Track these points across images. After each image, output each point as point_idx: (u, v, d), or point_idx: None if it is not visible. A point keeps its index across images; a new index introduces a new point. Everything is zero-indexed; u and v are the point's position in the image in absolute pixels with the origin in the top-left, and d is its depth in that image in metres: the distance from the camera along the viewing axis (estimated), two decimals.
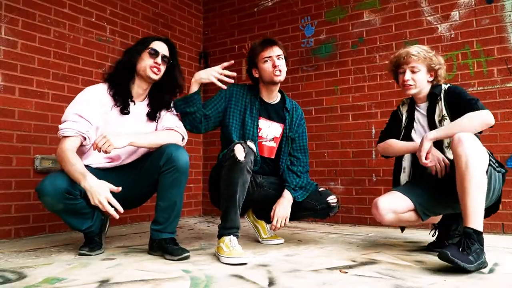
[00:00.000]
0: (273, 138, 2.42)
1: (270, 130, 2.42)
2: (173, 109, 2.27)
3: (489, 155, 1.88)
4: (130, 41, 3.56)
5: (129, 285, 1.52)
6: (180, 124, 2.23)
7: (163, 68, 2.18)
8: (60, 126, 2.02)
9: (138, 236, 2.77)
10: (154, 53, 2.14)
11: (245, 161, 1.99)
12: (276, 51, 2.31)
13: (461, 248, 1.64)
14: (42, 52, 2.94)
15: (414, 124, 2.21)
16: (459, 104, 1.98)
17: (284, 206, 2.31)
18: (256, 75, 2.38)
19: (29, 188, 2.77)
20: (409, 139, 2.18)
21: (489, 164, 1.83)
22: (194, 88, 2.23)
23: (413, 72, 2.10)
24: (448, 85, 2.14)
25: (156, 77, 2.15)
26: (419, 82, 2.11)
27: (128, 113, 2.13)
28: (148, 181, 2.09)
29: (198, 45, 4.36)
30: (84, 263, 1.89)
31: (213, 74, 2.24)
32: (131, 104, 2.17)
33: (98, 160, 2.11)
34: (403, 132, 2.22)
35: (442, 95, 2.09)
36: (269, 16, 3.99)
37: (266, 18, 4.01)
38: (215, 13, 4.35)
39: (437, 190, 2.04)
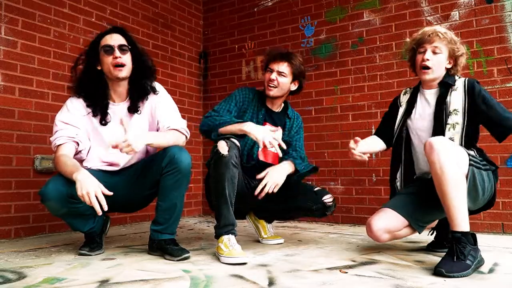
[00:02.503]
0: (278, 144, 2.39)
1: (276, 135, 2.37)
2: (159, 93, 2.17)
3: (473, 156, 1.83)
4: None
5: (129, 285, 1.52)
6: (183, 122, 2.17)
7: (126, 58, 2.05)
8: (51, 139, 2.03)
9: (138, 236, 2.77)
10: (109, 49, 2.02)
11: (229, 155, 1.99)
12: (280, 67, 2.31)
13: (455, 256, 1.63)
14: (42, 52, 2.94)
15: (413, 110, 2.10)
16: (492, 110, 1.88)
17: (278, 171, 2.22)
18: None
19: (29, 188, 2.77)
20: (403, 127, 2.12)
21: (470, 164, 1.77)
22: (237, 131, 2.11)
23: (434, 52, 1.96)
24: (466, 78, 2.00)
25: (124, 74, 2.04)
26: (437, 65, 1.97)
27: (105, 124, 2.08)
28: (150, 182, 2.07)
29: (198, 45, 4.36)
30: (84, 263, 1.89)
31: (269, 138, 2.05)
32: (111, 108, 2.11)
33: (96, 163, 2.11)
34: (402, 121, 2.13)
35: (462, 88, 1.96)
36: (269, 16, 3.99)
37: (266, 18, 4.01)
38: (215, 13, 4.35)
39: (427, 198, 1.97)
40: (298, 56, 2.39)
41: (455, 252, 1.64)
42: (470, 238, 1.68)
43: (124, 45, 2.05)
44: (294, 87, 2.40)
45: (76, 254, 2.08)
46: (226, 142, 2.03)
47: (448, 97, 1.98)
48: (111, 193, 1.81)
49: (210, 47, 4.34)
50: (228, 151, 2.00)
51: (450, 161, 1.70)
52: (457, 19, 3.13)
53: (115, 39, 2.05)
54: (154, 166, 2.04)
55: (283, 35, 3.87)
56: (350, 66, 3.54)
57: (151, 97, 2.16)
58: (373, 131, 3.35)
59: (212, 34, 4.35)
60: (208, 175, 2.25)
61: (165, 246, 2.01)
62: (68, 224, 2.06)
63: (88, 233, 2.13)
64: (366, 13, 3.50)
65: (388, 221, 1.98)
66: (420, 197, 2.01)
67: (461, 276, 1.58)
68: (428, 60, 1.96)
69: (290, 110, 2.50)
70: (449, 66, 2.02)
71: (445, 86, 2.00)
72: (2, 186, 2.67)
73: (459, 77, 2.04)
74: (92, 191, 1.75)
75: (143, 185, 2.11)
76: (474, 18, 3.07)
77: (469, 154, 1.81)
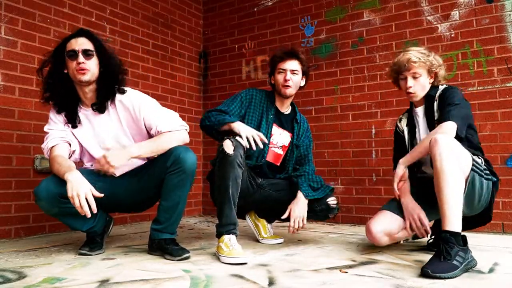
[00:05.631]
0: (281, 146, 2.45)
1: (280, 138, 2.44)
2: (131, 94, 2.08)
3: (477, 162, 1.85)
4: (130, 41, 3.56)
5: (129, 285, 1.52)
6: (174, 119, 2.10)
7: (91, 62, 1.99)
8: (42, 146, 2.05)
9: (138, 236, 2.77)
10: (73, 54, 1.96)
11: (234, 155, 2.01)
12: (292, 65, 2.35)
13: (442, 257, 1.61)
14: (42, 52, 2.92)
15: (416, 131, 2.18)
16: (443, 109, 1.97)
17: (299, 206, 2.29)
18: (273, 82, 2.43)
19: (29, 188, 2.77)
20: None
21: (473, 169, 1.80)
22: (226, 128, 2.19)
23: (414, 78, 2.08)
24: (445, 86, 2.11)
25: (87, 78, 1.97)
26: (421, 87, 2.09)
27: (76, 126, 2.06)
28: (155, 182, 2.05)
29: (198, 45, 4.36)
30: (84, 263, 1.89)
31: (252, 136, 2.12)
32: (83, 113, 2.08)
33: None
34: (409, 148, 2.19)
35: (437, 97, 2.08)
36: (269, 16, 3.98)
37: (266, 18, 4.00)
38: (215, 13, 4.35)
39: (426, 199, 2.00)
40: (301, 51, 2.44)
41: (442, 252, 1.62)
42: (459, 239, 1.65)
43: (89, 50, 1.99)
44: (302, 82, 2.45)
45: (76, 254, 2.08)
46: (232, 142, 2.04)
47: (432, 109, 2.08)
48: (102, 195, 1.82)
49: (210, 47, 4.34)
50: (234, 150, 2.01)
51: (451, 159, 1.71)
52: (457, 18, 3.12)
53: (80, 44, 1.98)
54: (159, 165, 2.03)
55: (283, 35, 3.87)
56: (350, 66, 3.54)
57: (124, 99, 2.07)
58: (373, 130, 3.36)
59: (212, 34, 4.34)
60: (212, 172, 2.26)
61: (165, 246, 2.01)
62: (65, 224, 2.06)
63: (88, 232, 2.12)
64: (366, 13, 3.49)
65: (386, 224, 2.02)
66: (419, 197, 2.04)
67: (447, 277, 1.55)
68: (411, 87, 2.09)
69: (298, 115, 2.54)
70: (431, 80, 2.13)
71: (429, 99, 2.11)
72: (2, 186, 2.67)
73: (442, 87, 2.12)
74: (82, 193, 1.76)
75: (148, 185, 2.10)
76: (474, 18, 3.06)
77: (473, 159, 1.83)
